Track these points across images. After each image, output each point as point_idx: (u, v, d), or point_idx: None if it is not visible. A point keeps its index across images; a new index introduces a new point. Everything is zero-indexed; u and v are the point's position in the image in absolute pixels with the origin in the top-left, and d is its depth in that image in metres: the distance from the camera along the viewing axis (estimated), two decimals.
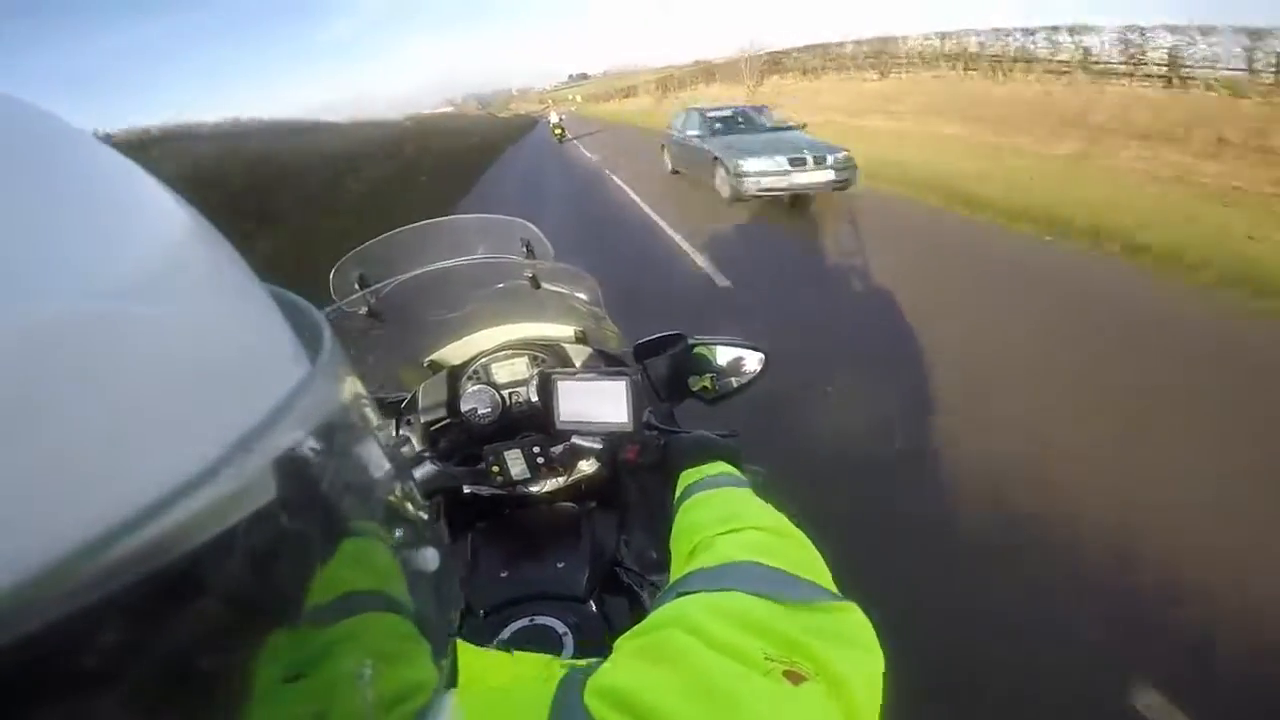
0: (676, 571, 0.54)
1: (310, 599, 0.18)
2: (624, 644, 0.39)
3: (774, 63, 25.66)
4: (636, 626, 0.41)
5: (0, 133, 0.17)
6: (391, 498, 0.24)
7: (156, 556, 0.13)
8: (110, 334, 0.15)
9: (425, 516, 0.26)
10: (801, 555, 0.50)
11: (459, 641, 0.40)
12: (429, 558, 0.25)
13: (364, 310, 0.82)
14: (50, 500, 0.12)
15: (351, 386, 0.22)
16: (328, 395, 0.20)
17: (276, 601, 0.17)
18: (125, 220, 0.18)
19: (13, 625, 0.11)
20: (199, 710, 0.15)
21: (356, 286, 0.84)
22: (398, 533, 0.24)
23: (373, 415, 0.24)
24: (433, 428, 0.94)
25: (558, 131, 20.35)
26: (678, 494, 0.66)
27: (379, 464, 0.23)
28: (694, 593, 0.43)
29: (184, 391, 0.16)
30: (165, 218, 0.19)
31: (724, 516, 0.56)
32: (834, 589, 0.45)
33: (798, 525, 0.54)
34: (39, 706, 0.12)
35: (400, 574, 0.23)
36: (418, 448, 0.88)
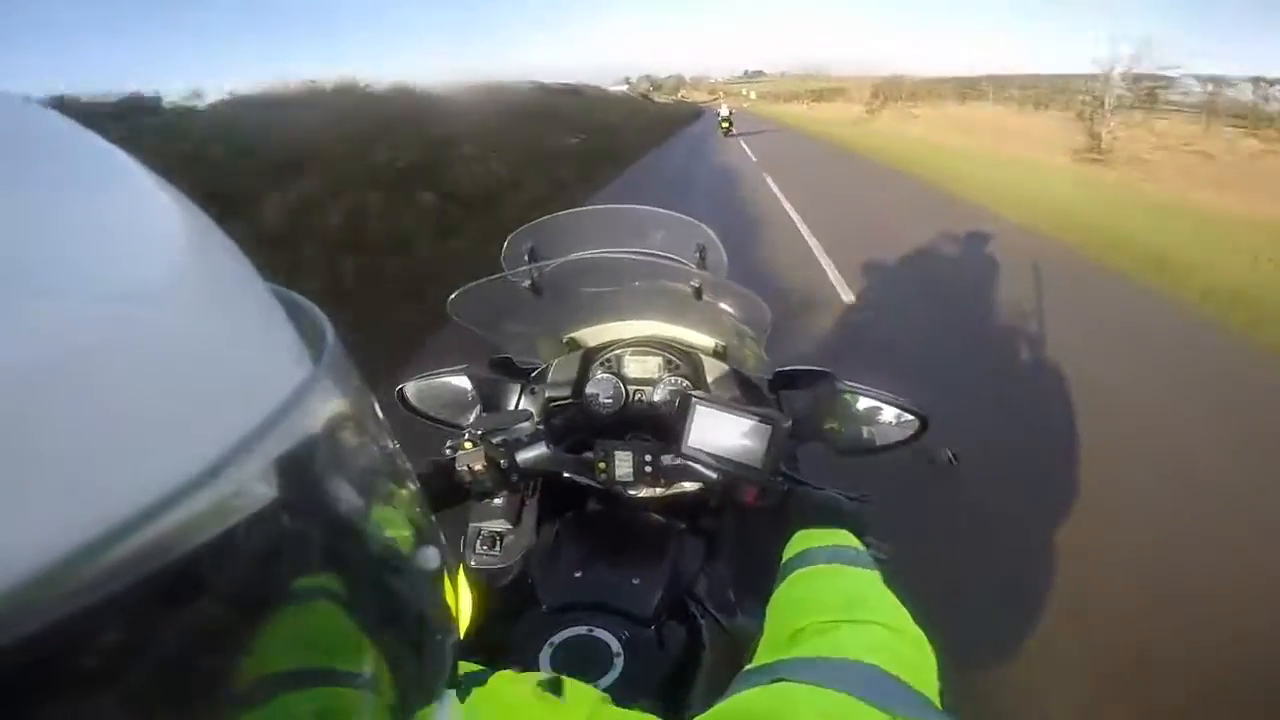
0: (773, 645, 0.50)
1: (304, 606, 0.18)
2: None
3: (1146, 94, 13.47)
4: (722, 705, 0.39)
5: (7, 133, 0.17)
6: (392, 497, 0.24)
7: (156, 557, 0.13)
8: (112, 334, 0.15)
9: (426, 515, 0.26)
10: (920, 662, 0.45)
11: (505, 673, 0.43)
12: (429, 557, 0.25)
13: (527, 283, 0.83)
14: (50, 500, 0.13)
15: (355, 386, 0.22)
16: (330, 396, 0.20)
17: (275, 600, 0.17)
18: (129, 220, 0.18)
19: (13, 625, 0.11)
20: (197, 711, 0.15)
21: (526, 259, 0.86)
22: (396, 532, 0.24)
23: (377, 415, 0.24)
24: (553, 404, 0.94)
25: (725, 125, 19.12)
26: (790, 553, 0.61)
27: (381, 464, 0.23)
28: (799, 682, 0.39)
29: (185, 392, 0.16)
30: (169, 217, 0.19)
31: (848, 602, 0.51)
32: (943, 709, 0.41)
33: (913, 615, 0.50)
34: (39, 706, 0.12)
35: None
36: (536, 422, 0.89)
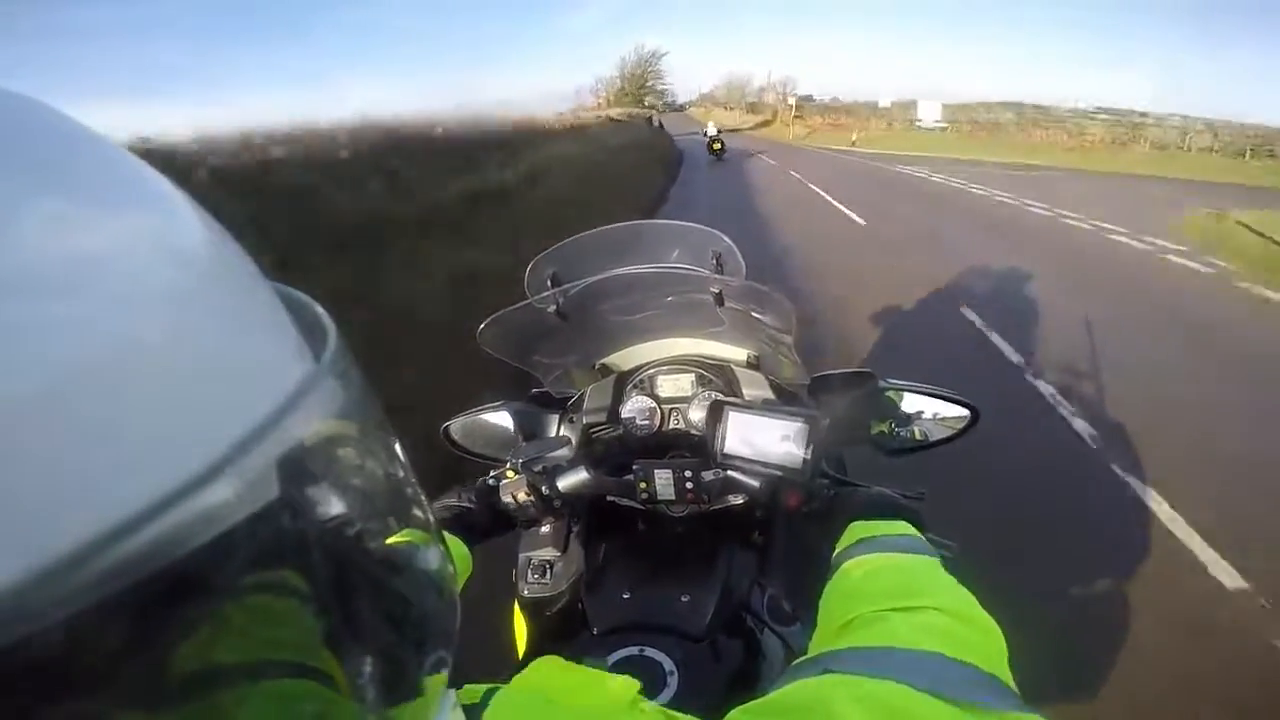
0: (823, 639, 0.49)
1: (303, 602, 0.18)
2: (743, 718, 0.37)
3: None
4: (760, 701, 0.38)
5: (24, 136, 0.18)
6: (394, 495, 0.24)
7: (158, 556, 0.14)
8: (114, 334, 0.15)
9: (427, 514, 0.27)
10: (986, 647, 0.43)
11: (554, 659, 0.46)
12: (430, 557, 0.26)
13: (552, 309, 0.85)
14: (50, 500, 0.13)
15: (357, 384, 0.22)
16: (332, 393, 0.20)
17: (275, 597, 0.18)
18: (137, 222, 0.19)
19: (13, 625, 0.12)
20: (194, 707, 0.15)
21: (549, 284, 0.88)
22: (397, 531, 0.24)
23: (380, 415, 0.24)
24: (591, 431, 0.97)
25: (716, 148, 16.00)
26: (841, 548, 0.60)
27: (383, 465, 0.24)
28: (845, 673, 0.38)
29: (187, 390, 0.16)
30: (172, 216, 0.20)
31: (900, 589, 0.49)
32: (1017, 691, 0.39)
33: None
34: (39, 706, 0.12)
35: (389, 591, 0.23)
36: (575, 448, 0.92)
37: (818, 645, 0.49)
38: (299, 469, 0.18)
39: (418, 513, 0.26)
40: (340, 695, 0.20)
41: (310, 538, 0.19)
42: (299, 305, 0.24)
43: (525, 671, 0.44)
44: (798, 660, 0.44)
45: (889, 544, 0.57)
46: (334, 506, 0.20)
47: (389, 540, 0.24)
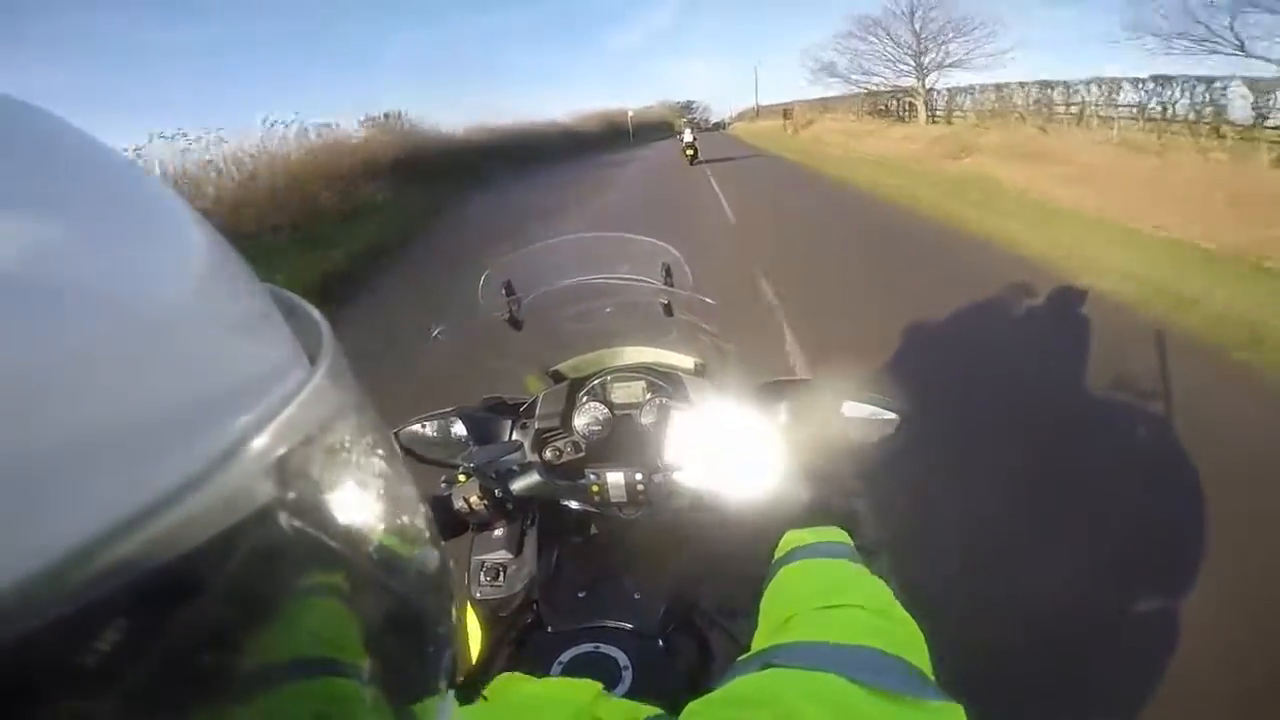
0: (764, 636, 0.54)
1: (303, 604, 0.19)
2: (700, 710, 0.39)
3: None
4: (715, 694, 0.41)
5: (19, 139, 0.18)
6: (390, 500, 0.25)
7: (155, 556, 0.14)
8: (113, 334, 0.15)
9: (423, 520, 0.27)
10: (907, 642, 0.48)
11: (511, 674, 0.48)
12: (428, 558, 0.26)
13: (505, 317, 0.91)
14: (50, 500, 0.13)
15: (352, 387, 0.23)
16: (327, 396, 0.21)
17: (273, 599, 0.18)
18: (132, 223, 0.19)
19: (13, 625, 0.12)
20: (195, 707, 0.15)
21: (503, 293, 0.93)
22: (395, 533, 0.25)
23: (375, 418, 0.25)
24: (544, 435, 1.00)
25: (689, 153, 16.61)
26: (778, 555, 0.66)
27: (379, 466, 0.24)
28: (784, 667, 0.42)
29: (184, 392, 0.16)
30: (168, 218, 0.20)
31: (827, 589, 0.54)
32: (935, 683, 0.44)
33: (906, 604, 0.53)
34: (39, 706, 0.12)
35: (384, 591, 0.23)
36: (528, 453, 0.96)
37: (759, 641, 0.53)
38: (295, 471, 0.18)
39: (414, 514, 0.26)
40: (344, 698, 0.20)
41: (306, 539, 0.19)
42: (294, 308, 0.24)
43: (487, 692, 0.46)
44: (743, 656, 0.49)
45: (820, 550, 0.64)
46: (330, 508, 0.20)
47: (386, 542, 0.24)
